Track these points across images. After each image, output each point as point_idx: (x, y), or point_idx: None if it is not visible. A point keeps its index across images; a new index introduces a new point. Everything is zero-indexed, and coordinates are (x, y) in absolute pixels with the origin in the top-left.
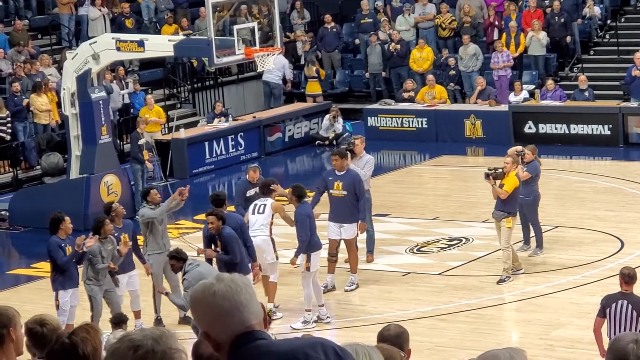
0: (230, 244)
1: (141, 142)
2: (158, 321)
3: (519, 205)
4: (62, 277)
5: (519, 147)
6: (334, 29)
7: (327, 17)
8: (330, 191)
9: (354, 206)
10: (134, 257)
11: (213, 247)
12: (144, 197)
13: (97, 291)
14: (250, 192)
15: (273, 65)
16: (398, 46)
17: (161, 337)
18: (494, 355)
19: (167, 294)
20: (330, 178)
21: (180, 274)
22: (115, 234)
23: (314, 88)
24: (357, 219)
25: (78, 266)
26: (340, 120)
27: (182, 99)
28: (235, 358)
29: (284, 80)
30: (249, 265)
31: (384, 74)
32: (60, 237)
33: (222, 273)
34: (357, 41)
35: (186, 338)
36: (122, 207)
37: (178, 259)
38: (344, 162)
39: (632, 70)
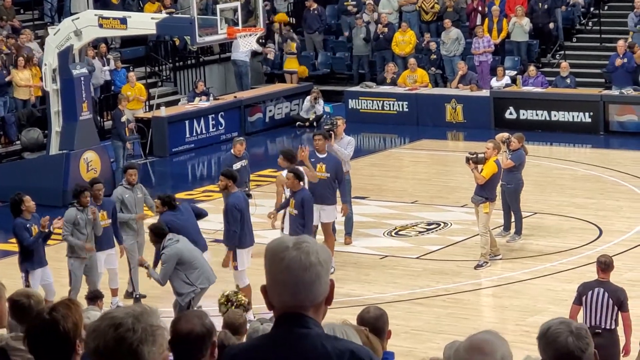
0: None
1: (123, 119)
2: (136, 299)
3: (502, 191)
4: (30, 258)
5: (506, 134)
6: (316, 11)
7: (310, 2)
8: None
9: (334, 188)
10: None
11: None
12: (124, 172)
13: (76, 266)
14: (237, 166)
15: (256, 45)
16: (385, 29)
17: (142, 315)
18: (485, 341)
19: (147, 266)
20: (312, 160)
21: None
22: None
23: (292, 64)
24: (336, 201)
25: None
26: (321, 102)
27: (164, 78)
28: (273, 335)
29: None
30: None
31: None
32: (25, 218)
33: (309, 238)
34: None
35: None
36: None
37: (157, 234)
38: (327, 143)
39: (614, 58)
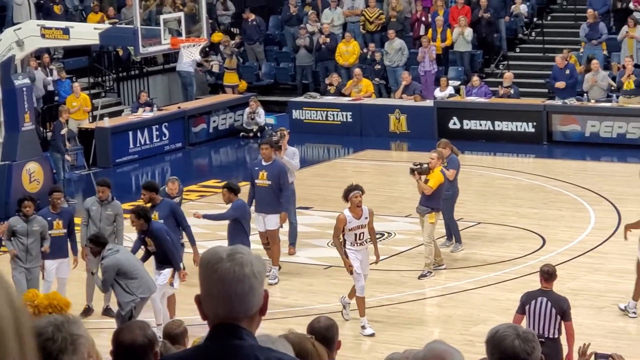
0: (160, 238)
1: (63, 131)
2: (86, 310)
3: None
4: None
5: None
6: (255, 22)
7: (248, 14)
8: (256, 181)
9: (277, 197)
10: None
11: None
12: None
13: (17, 277)
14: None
15: (199, 56)
16: (328, 39)
17: (63, 324)
18: (445, 351)
19: (93, 273)
20: (256, 168)
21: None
22: (49, 219)
23: (232, 79)
24: (279, 209)
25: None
26: (261, 111)
27: (107, 88)
28: (206, 346)
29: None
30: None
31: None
32: None
33: (244, 249)
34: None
35: (105, 327)
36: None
37: (97, 243)
38: (273, 151)
39: (556, 71)
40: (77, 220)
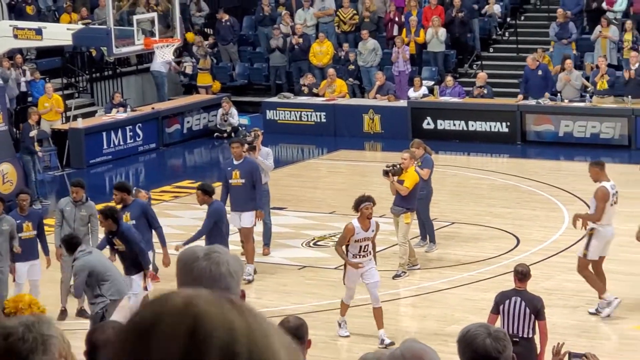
0: (130, 239)
1: (32, 133)
2: (62, 312)
3: None
4: None
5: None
6: (228, 22)
7: (221, 14)
8: (230, 181)
9: (252, 194)
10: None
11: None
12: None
13: None
14: None
15: (173, 56)
16: (300, 40)
17: (34, 324)
18: (423, 350)
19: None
20: (228, 168)
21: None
22: (18, 221)
23: (205, 79)
24: (254, 207)
25: None
26: (234, 112)
27: (80, 89)
28: None
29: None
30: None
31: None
32: None
33: (220, 249)
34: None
35: (79, 329)
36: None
37: (70, 243)
38: (243, 149)
39: (528, 71)
40: (48, 221)
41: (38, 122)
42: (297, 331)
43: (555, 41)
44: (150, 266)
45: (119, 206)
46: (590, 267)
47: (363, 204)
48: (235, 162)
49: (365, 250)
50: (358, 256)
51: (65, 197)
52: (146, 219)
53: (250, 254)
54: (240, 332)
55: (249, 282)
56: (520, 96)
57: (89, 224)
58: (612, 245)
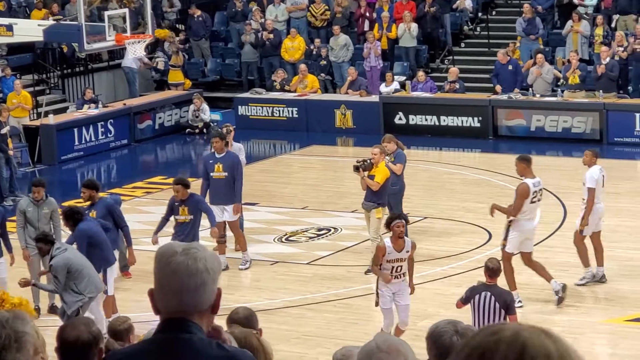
0: (77, 241)
1: (4, 130)
2: (36, 310)
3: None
4: None
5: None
6: (201, 18)
7: (194, 10)
8: (211, 174)
9: (234, 187)
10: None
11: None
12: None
13: None
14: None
15: (144, 52)
16: (271, 35)
17: (8, 321)
18: (400, 343)
19: (34, 284)
20: (210, 161)
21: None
22: None
23: (177, 77)
24: (236, 199)
25: None
26: (206, 108)
27: (52, 85)
28: (156, 340)
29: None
30: (113, 253)
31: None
32: None
33: (199, 245)
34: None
35: (50, 325)
36: None
37: (46, 242)
38: (224, 143)
39: (499, 66)
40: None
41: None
42: (246, 321)
43: (522, 37)
44: (116, 265)
45: (87, 203)
46: (531, 260)
47: (394, 221)
48: (217, 155)
49: (398, 271)
50: (390, 277)
51: (24, 198)
52: (112, 217)
53: (242, 243)
54: (554, 356)
55: (247, 268)
56: (498, 87)
57: (52, 221)
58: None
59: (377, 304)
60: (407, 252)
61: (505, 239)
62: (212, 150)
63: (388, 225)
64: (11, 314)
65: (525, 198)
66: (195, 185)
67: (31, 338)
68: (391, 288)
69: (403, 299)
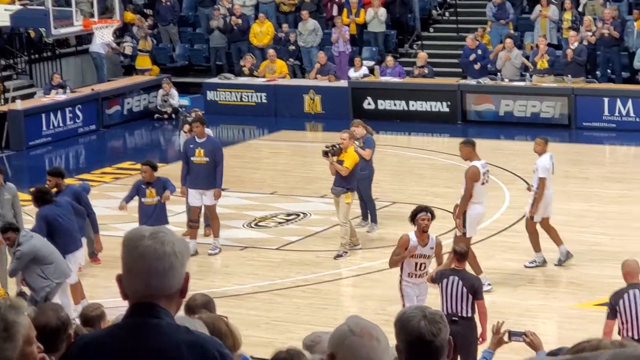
0: (37, 224)
1: None
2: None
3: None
4: None
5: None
6: (169, 2)
7: None
8: (192, 159)
9: (214, 172)
10: None
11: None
12: None
13: None
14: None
15: (112, 37)
16: (239, 20)
17: (0, 310)
18: (372, 327)
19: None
20: (191, 146)
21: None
22: None
23: (145, 62)
24: (217, 184)
25: None
26: (174, 93)
27: (19, 70)
28: (124, 324)
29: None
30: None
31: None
32: None
33: (166, 229)
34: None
35: None
36: None
37: (13, 230)
38: (204, 128)
39: (468, 52)
40: None
41: None
42: (205, 308)
43: (492, 21)
44: (83, 251)
45: (54, 190)
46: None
47: (419, 214)
48: (198, 140)
49: (422, 269)
50: (413, 275)
51: None
52: (80, 204)
53: (216, 229)
54: None
55: (217, 254)
56: (478, 64)
57: (13, 205)
58: (555, 224)
59: (404, 306)
60: (432, 248)
61: (464, 225)
62: (195, 134)
63: (413, 218)
64: (6, 303)
65: (475, 181)
66: (164, 171)
67: (22, 329)
68: (414, 290)
69: (424, 299)
